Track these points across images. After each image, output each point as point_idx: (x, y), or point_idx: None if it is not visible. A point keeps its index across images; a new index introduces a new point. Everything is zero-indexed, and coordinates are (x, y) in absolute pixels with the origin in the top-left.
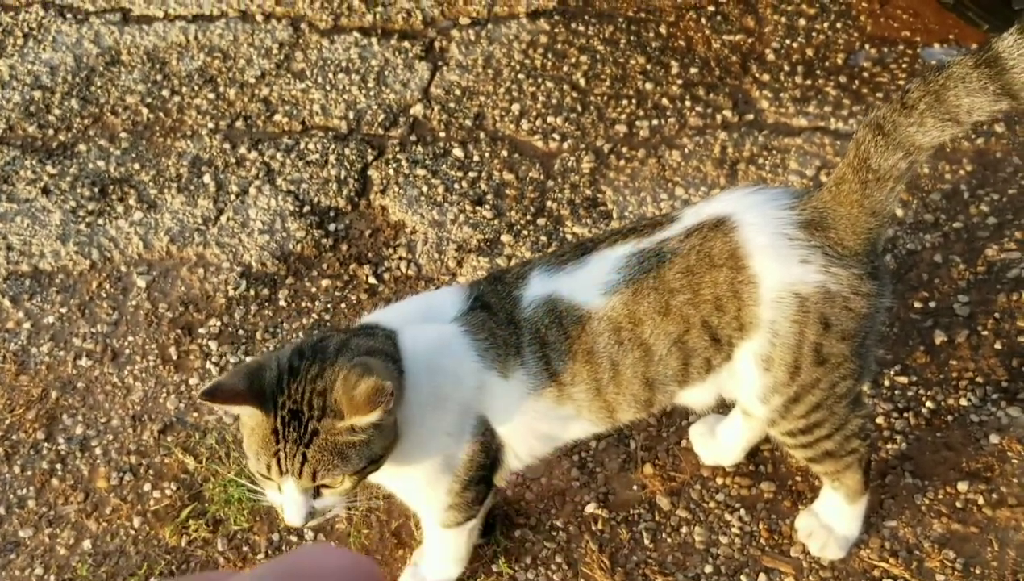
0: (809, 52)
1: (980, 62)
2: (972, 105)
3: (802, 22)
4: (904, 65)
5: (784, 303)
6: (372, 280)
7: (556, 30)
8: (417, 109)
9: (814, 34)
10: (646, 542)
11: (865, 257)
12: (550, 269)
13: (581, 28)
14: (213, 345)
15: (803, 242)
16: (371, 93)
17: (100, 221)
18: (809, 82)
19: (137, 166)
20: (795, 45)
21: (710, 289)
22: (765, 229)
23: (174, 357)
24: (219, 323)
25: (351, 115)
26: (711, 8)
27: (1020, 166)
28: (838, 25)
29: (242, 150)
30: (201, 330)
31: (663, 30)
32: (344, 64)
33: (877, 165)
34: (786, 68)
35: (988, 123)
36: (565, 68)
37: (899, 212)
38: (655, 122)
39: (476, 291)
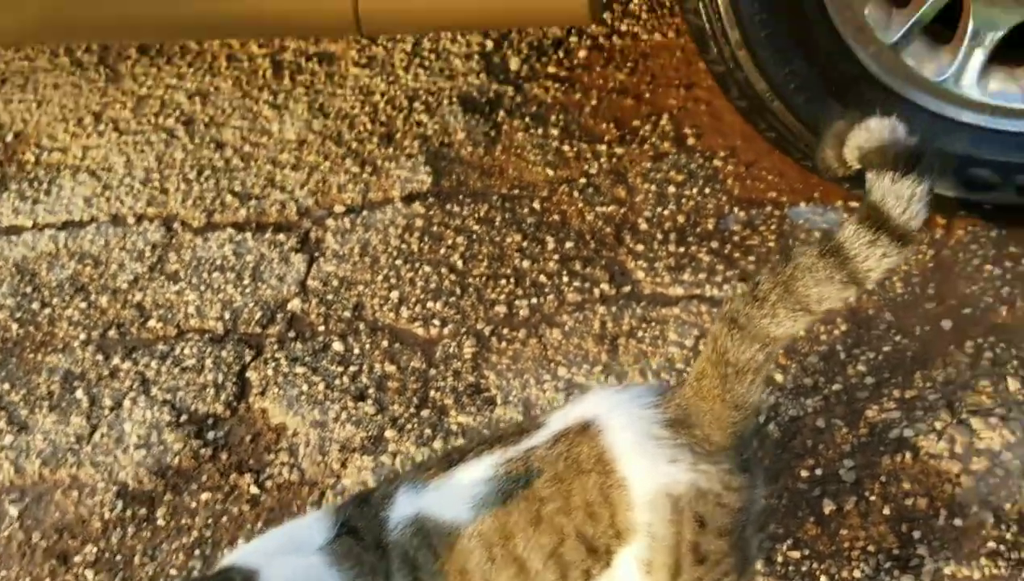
0: (680, 219)
1: (824, 252)
2: (821, 294)
3: (671, 189)
4: (773, 226)
5: (657, 505)
6: (254, 490)
7: (431, 213)
8: (295, 303)
9: (684, 200)
10: None
11: (733, 451)
12: (416, 486)
13: (456, 209)
14: (90, 574)
15: (669, 441)
16: (247, 290)
17: None
18: (682, 249)
19: (7, 386)
20: (666, 213)
21: (580, 496)
22: (630, 430)
23: None
24: (95, 549)
25: (227, 315)
26: (583, 180)
27: (893, 322)
28: (707, 190)
29: (115, 361)
30: (77, 558)
31: (537, 205)
32: (219, 262)
33: (735, 359)
34: (659, 236)
35: None
36: (442, 251)
37: (779, 377)
38: (534, 300)
39: (342, 516)
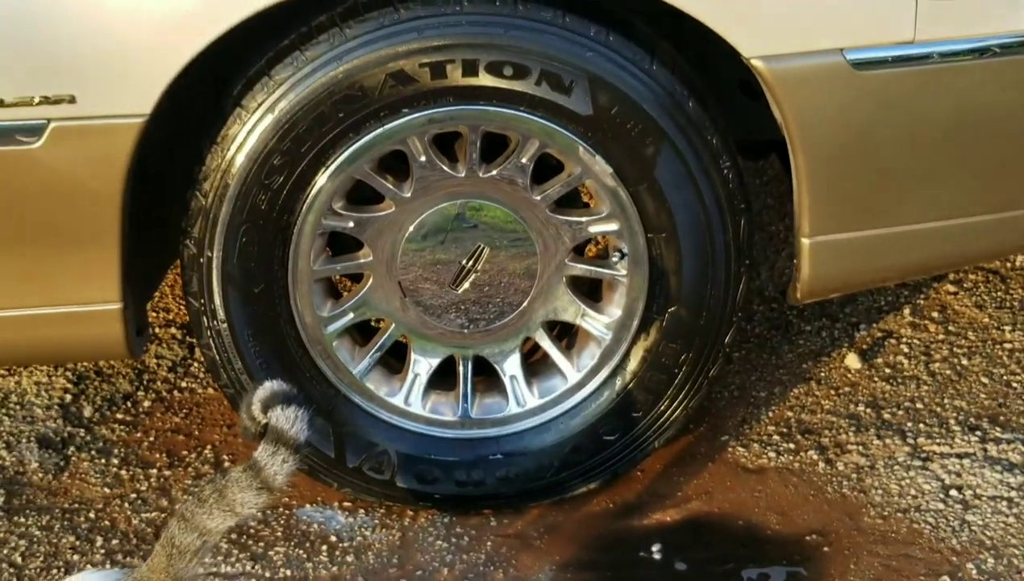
0: None
1: (246, 467)
2: (244, 499)
3: None
4: (283, 522)
5: None
6: None
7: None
8: None
9: None
10: None
11: None
12: None
13: (22, 520)
14: None
15: None
16: None
17: None
18: None
19: None
20: None
21: None
22: None
23: None
24: None
25: None
26: (133, 495)
27: None
28: None
29: None
30: None
31: (92, 515)
32: None
33: (179, 543)
34: None
35: None
36: (3, 551)
37: None
38: None
39: None
